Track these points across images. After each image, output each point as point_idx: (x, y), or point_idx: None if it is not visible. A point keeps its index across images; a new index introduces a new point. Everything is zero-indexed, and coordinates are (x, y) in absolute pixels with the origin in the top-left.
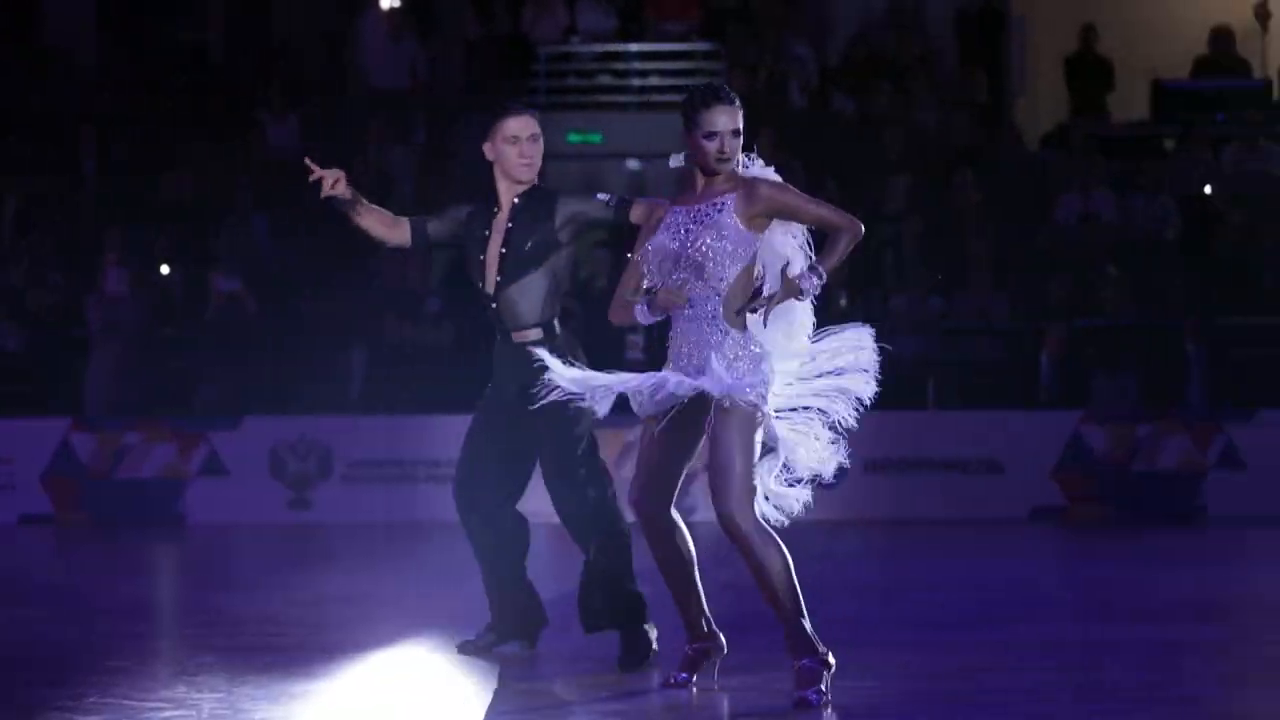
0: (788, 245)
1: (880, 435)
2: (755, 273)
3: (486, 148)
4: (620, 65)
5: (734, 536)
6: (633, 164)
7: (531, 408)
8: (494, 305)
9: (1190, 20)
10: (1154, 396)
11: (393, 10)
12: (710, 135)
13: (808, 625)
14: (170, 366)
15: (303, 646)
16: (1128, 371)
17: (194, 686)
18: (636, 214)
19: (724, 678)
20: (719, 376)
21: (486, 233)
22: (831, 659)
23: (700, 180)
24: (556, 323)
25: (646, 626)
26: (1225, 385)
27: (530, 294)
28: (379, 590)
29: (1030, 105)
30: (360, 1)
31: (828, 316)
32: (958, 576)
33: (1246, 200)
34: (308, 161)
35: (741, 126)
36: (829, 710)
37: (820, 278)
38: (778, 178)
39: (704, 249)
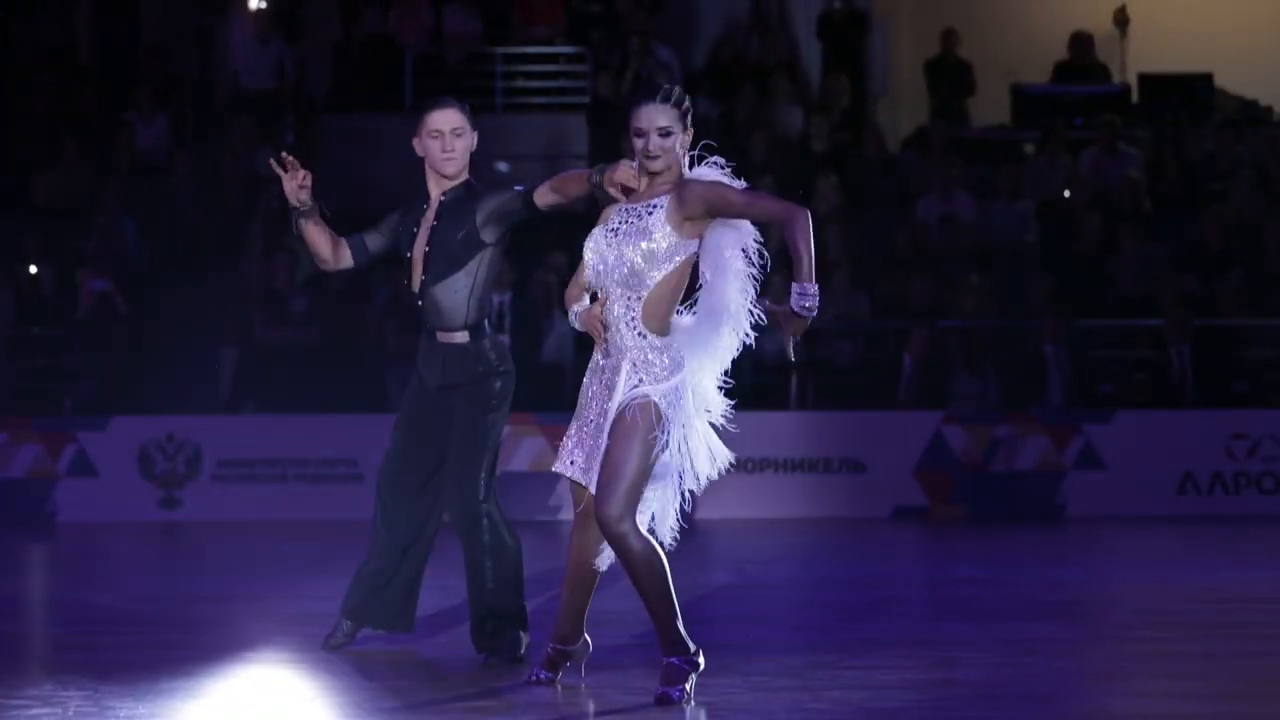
0: (729, 243)
1: (744, 435)
2: (702, 275)
3: (415, 143)
4: (486, 68)
5: (613, 539)
6: (501, 166)
7: (448, 406)
8: (419, 303)
9: (1050, 25)
10: (1014, 397)
11: (260, 12)
12: (637, 133)
13: (680, 626)
14: (40, 366)
15: (171, 645)
16: (988, 372)
17: (61, 684)
18: (541, 196)
19: (587, 675)
20: (625, 385)
21: (415, 230)
22: (700, 660)
23: (644, 180)
24: (486, 324)
25: (523, 633)
26: (1083, 386)
27: (454, 294)
28: (248, 589)
29: (891, 108)
30: (227, 3)
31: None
32: (820, 575)
33: (1104, 204)
34: (281, 156)
35: (672, 125)
36: (690, 707)
37: (807, 293)
38: (718, 175)
39: (630, 251)
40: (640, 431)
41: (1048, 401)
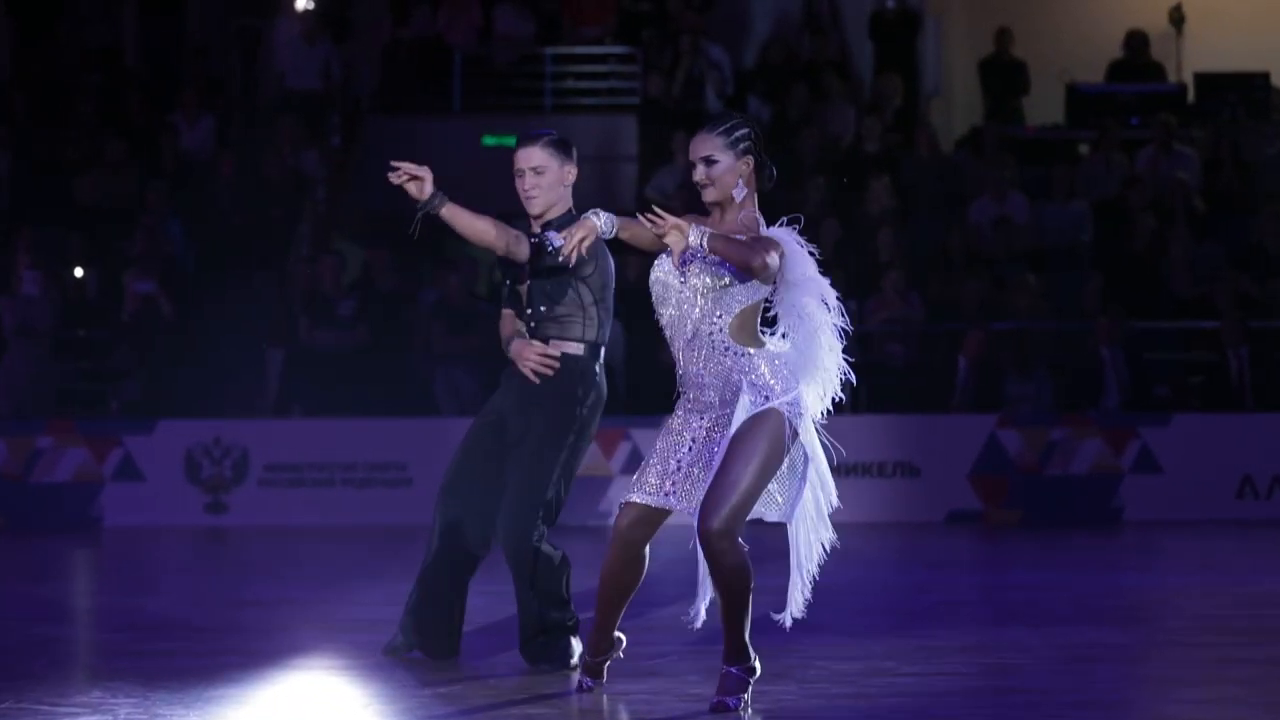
0: (802, 273)
1: None
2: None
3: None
4: (536, 69)
5: (714, 553)
6: None
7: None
8: (531, 324)
9: (1105, 24)
10: (1068, 400)
11: (306, 12)
12: (691, 163)
13: (747, 636)
14: (85, 369)
15: (220, 651)
16: (1040, 375)
17: (110, 691)
18: (625, 233)
19: (639, 680)
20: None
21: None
22: (759, 669)
23: (713, 211)
24: (601, 347)
25: (574, 640)
26: (1138, 389)
27: (565, 311)
28: (296, 595)
29: (944, 108)
30: (274, 3)
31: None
32: (875, 580)
33: (1159, 205)
34: (393, 165)
35: (717, 153)
36: (746, 715)
37: (701, 235)
38: (782, 237)
39: (703, 281)
40: (763, 451)
41: (1104, 404)
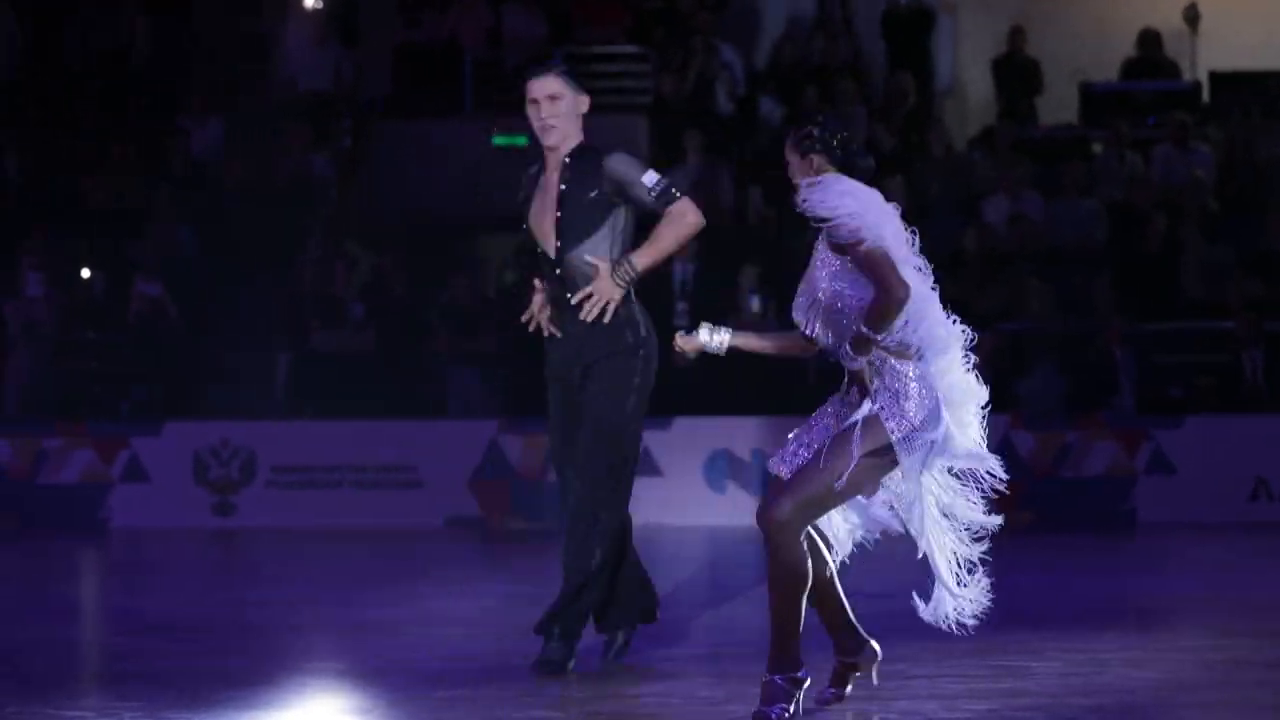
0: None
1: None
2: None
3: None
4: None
5: (774, 545)
6: None
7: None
8: (557, 271)
9: (1119, 22)
10: (1081, 401)
11: (316, 13)
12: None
13: (796, 645)
14: (93, 370)
15: (227, 653)
16: (1050, 375)
17: (117, 695)
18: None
19: (646, 683)
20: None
21: (531, 195)
22: (805, 680)
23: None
24: (632, 290)
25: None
26: (1149, 390)
27: (599, 254)
28: (304, 597)
29: (957, 107)
30: (283, 4)
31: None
32: (884, 583)
33: (1171, 205)
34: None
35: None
36: None
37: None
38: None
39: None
40: (851, 454)
41: (1117, 405)
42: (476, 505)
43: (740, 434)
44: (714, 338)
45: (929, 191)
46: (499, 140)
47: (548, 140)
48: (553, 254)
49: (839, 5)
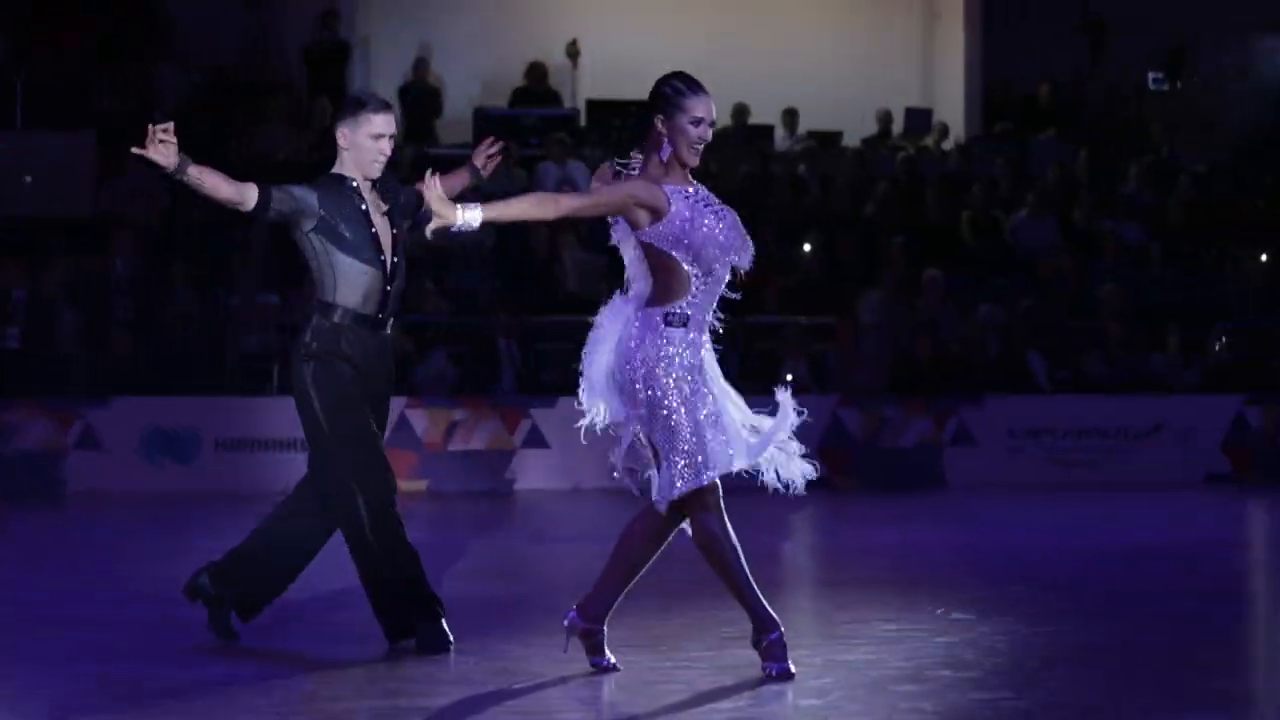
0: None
1: None
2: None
3: (342, 133)
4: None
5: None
6: (28, 179)
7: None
8: (388, 288)
9: (510, 56)
10: (470, 384)
11: None
12: (699, 121)
13: (763, 604)
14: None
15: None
16: (443, 360)
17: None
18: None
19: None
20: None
21: (363, 208)
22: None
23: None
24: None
25: (444, 623)
26: (529, 374)
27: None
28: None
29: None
30: None
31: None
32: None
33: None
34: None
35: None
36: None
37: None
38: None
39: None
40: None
41: (499, 387)
42: None
43: None
44: (463, 215)
45: None
46: None
47: (375, 173)
48: (389, 269)
49: (266, 36)
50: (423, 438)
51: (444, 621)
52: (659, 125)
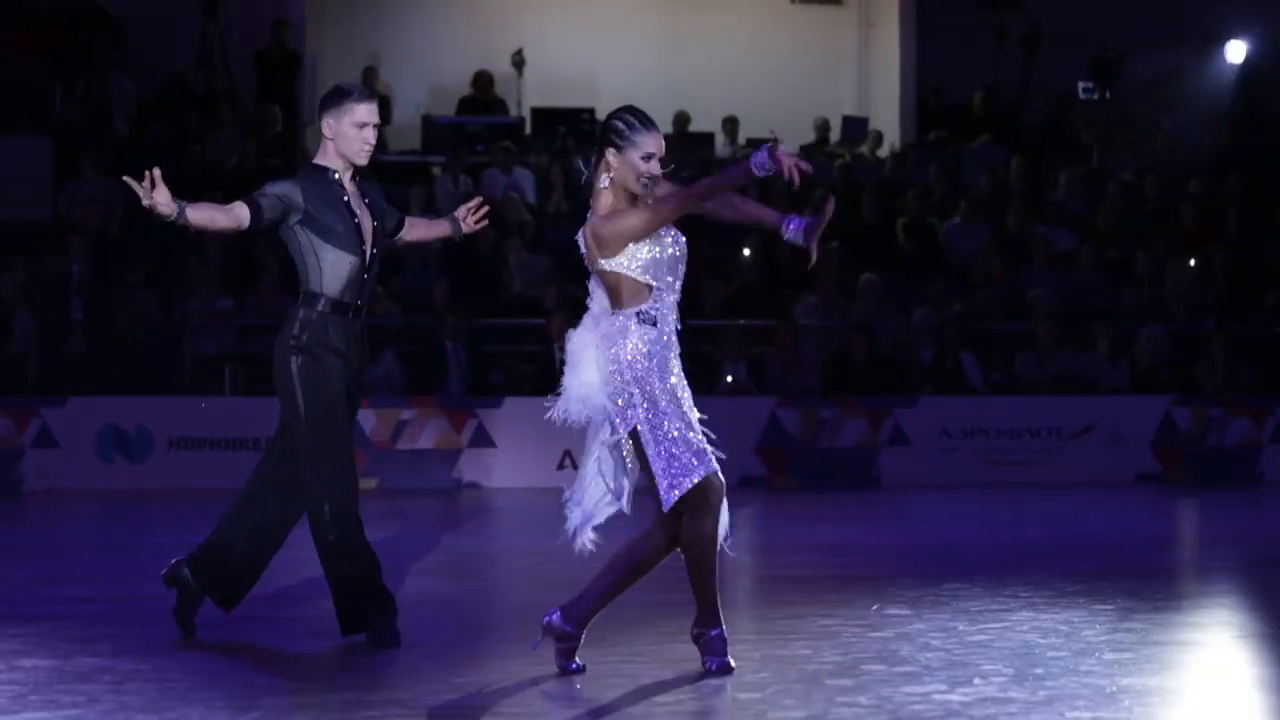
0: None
1: None
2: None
3: (327, 123)
4: None
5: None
6: None
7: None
8: (365, 276)
9: (456, 65)
10: (419, 384)
11: None
12: (650, 157)
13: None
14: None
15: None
16: (393, 361)
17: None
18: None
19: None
20: None
21: (345, 199)
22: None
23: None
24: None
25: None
26: (475, 375)
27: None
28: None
29: (318, 133)
30: None
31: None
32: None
33: (497, 218)
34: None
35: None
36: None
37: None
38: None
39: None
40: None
41: (447, 388)
42: None
43: None
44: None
45: None
46: None
47: (362, 161)
48: (367, 260)
49: (217, 45)
50: (371, 437)
51: (395, 619)
52: (610, 158)
